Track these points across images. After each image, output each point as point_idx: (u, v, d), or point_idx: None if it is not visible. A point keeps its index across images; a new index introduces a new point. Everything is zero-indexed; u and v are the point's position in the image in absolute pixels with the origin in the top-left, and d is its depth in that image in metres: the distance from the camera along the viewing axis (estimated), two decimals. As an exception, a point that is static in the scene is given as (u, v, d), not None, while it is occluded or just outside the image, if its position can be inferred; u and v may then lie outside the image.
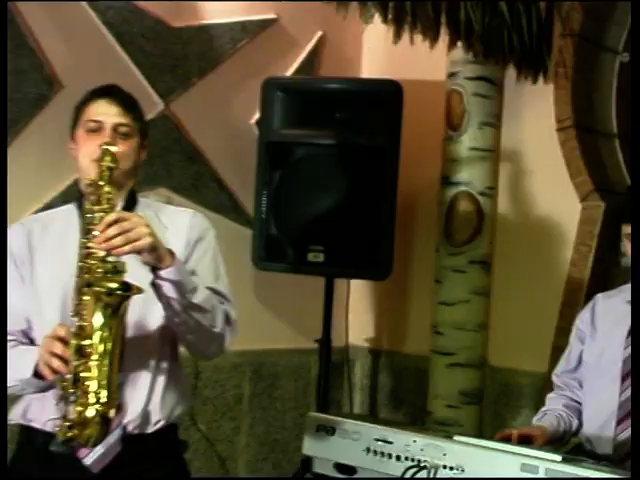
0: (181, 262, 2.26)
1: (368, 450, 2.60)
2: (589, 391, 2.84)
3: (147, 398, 2.34)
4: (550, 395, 2.99)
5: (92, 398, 2.07)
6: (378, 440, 2.58)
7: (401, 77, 3.87)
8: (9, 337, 2.39)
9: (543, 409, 2.93)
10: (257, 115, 4.02)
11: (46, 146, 3.47)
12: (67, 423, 2.07)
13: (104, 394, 2.08)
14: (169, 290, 2.19)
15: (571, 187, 3.86)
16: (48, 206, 3.47)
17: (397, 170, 3.79)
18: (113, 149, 2.24)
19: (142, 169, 2.54)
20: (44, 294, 2.37)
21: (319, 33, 4.31)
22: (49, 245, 2.42)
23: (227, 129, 3.99)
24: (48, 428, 2.24)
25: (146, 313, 2.31)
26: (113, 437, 2.23)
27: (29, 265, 2.40)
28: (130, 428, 2.31)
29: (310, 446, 2.77)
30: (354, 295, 4.23)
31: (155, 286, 2.20)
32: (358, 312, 4.36)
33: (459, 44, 3.65)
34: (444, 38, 3.57)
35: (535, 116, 3.98)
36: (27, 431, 2.39)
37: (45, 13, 3.43)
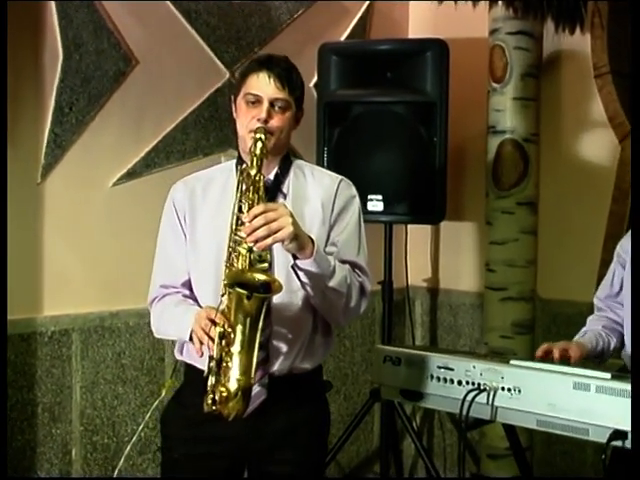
0: (320, 251, 2.20)
1: (432, 377, 2.59)
2: (629, 313, 2.73)
3: (295, 353, 2.32)
4: (590, 317, 2.88)
5: (233, 380, 2.09)
6: (440, 367, 2.57)
7: (446, 36, 3.76)
8: (174, 290, 2.39)
9: (584, 329, 2.83)
10: (315, 78, 3.94)
11: (126, 116, 3.44)
12: (211, 399, 2.10)
13: (244, 377, 2.09)
14: (306, 277, 2.19)
15: (609, 129, 3.78)
16: (131, 171, 3.48)
17: (446, 122, 3.69)
18: (264, 137, 2.21)
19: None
20: (203, 251, 2.34)
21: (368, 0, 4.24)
22: (209, 205, 2.38)
23: (288, 93, 3.96)
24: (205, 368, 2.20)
25: (291, 281, 2.24)
26: (259, 386, 2.23)
27: (191, 223, 2.37)
28: (276, 375, 2.29)
29: (378, 375, 2.76)
30: (412, 239, 4.16)
31: (294, 270, 2.18)
32: (416, 255, 4.30)
33: (499, 2, 3.57)
34: (485, -3, 3.49)
35: (573, 65, 3.89)
36: (190, 369, 2.38)
37: (119, -3, 3.40)
